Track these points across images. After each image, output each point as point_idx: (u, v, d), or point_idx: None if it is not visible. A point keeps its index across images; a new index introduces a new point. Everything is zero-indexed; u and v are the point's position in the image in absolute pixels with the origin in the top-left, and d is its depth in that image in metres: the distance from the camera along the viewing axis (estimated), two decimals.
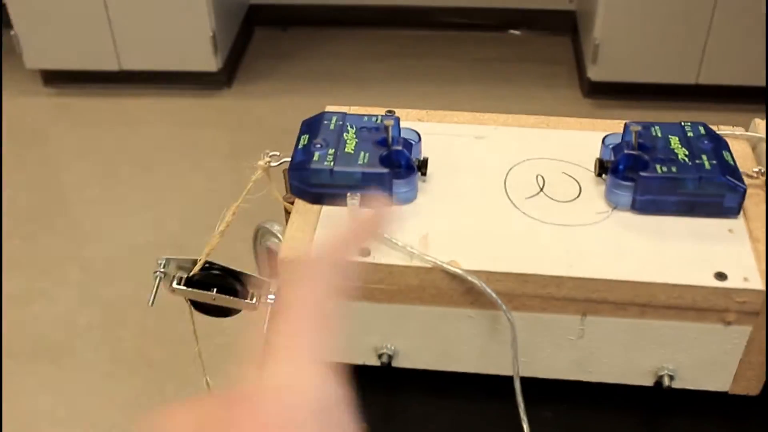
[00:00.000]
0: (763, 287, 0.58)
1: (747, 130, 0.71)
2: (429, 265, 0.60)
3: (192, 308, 0.78)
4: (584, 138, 0.72)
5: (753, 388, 0.64)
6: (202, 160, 2.43)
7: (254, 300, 0.75)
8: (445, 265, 0.60)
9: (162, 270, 0.74)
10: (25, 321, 1.92)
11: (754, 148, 0.70)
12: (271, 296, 0.74)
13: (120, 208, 2.24)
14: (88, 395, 1.76)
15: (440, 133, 0.73)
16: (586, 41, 2.62)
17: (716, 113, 2.48)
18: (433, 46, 2.94)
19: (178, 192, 2.29)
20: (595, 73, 2.52)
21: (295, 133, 0.69)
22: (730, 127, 0.71)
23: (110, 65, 2.61)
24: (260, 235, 0.80)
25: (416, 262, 0.60)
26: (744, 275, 0.59)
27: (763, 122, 0.70)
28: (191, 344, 0.77)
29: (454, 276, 0.60)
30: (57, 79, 2.71)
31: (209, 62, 2.60)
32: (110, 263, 2.07)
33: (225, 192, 2.23)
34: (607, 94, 2.58)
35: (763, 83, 2.45)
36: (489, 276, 0.60)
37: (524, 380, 0.64)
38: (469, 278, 0.59)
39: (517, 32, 2.99)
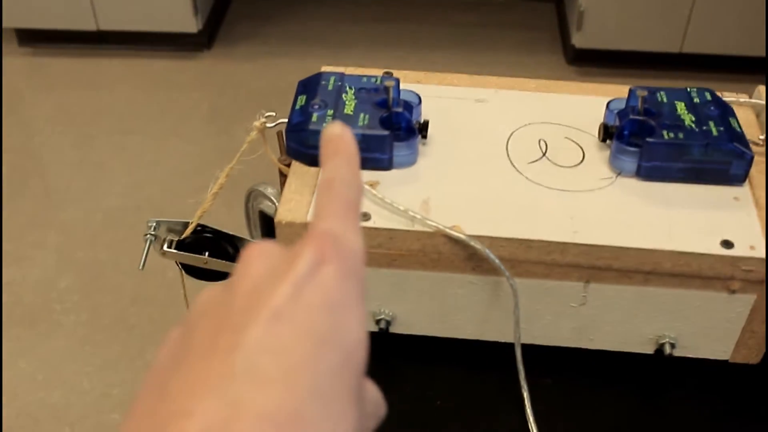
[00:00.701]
0: None
1: (750, 98, 0.70)
2: (431, 230, 0.59)
3: (183, 272, 0.76)
4: (586, 103, 0.71)
5: (753, 357, 0.64)
6: (181, 122, 2.39)
7: None
8: (448, 230, 0.58)
9: (152, 233, 0.72)
10: (2, 285, 1.89)
11: (757, 116, 0.69)
12: None
13: (97, 172, 2.21)
14: (66, 359, 1.74)
15: (439, 96, 0.72)
16: (570, 8, 2.59)
17: (700, 82, 2.46)
18: (414, 11, 2.91)
19: (157, 155, 2.25)
20: (579, 40, 2.50)
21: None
22: (734, 94, 0.70)
23: (87, 25, 2.55)
24: (253, 197, 0.78)
25: (418, 227, 0.59)
26: (750, 243, 0.58)
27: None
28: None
29: (456, 241, 0.59)
30: (32, 38, 2.65)
31: (189, 23, 2.55)
32: (88, 227, 2.04)
33: (205, 155, 2.20)
34: (592, 61, 2.57)
35: (747, 53, 2.45)
36: (492, 241, 0.59)
37: (524, 347, 0.63)
38: (472, 243, 0.58)
39: None
